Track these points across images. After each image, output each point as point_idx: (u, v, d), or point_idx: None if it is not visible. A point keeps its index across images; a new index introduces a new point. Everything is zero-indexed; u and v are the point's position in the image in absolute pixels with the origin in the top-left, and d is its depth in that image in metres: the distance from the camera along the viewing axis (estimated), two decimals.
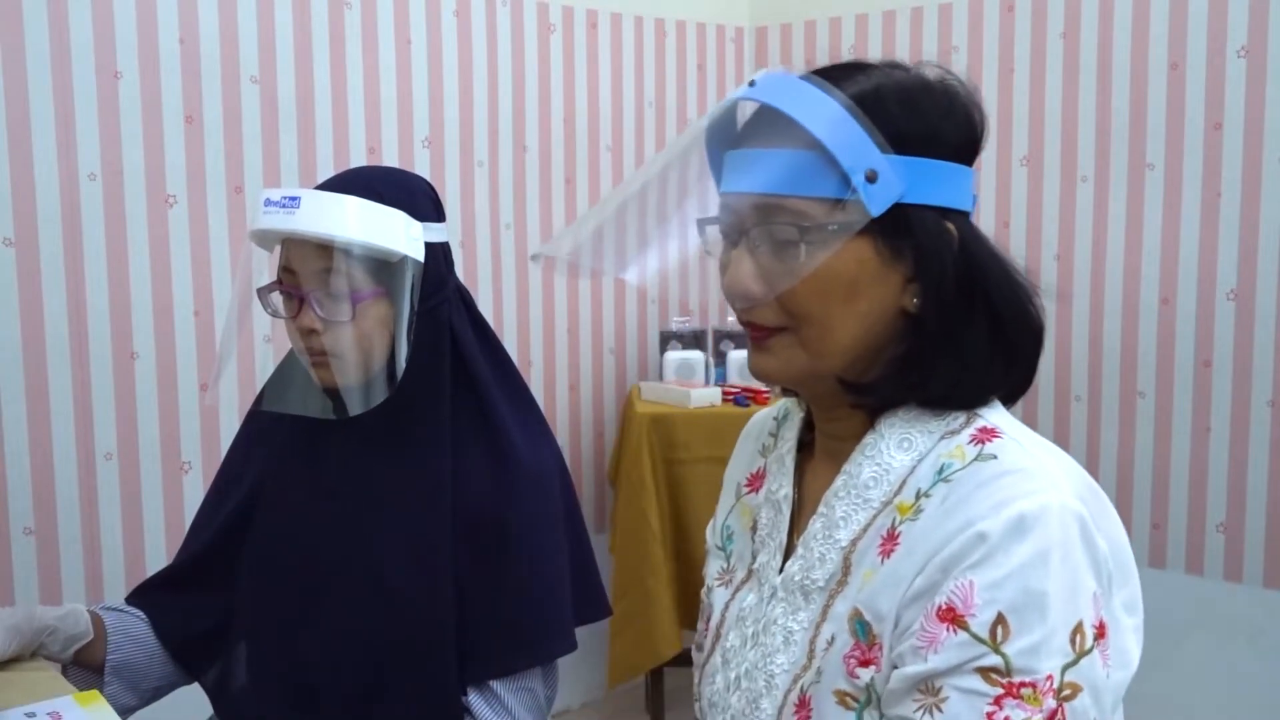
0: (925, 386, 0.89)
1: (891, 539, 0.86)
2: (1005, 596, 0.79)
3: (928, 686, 0.80)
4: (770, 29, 3.37)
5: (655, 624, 2.66)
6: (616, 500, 2.89)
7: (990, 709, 0.78)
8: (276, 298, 1.33)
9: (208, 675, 1.46)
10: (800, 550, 0.94)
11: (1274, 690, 2.56)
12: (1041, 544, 0.80)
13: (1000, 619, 0.79)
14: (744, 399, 2.78)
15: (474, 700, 1.33)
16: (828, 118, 0.84)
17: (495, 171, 2.86)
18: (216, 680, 1.45)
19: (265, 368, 1.46)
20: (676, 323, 3.07)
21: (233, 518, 1.44)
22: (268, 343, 2.36)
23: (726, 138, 0.93)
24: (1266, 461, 2.54)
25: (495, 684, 1.33)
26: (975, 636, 0.79)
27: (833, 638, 0.88)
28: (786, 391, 1.03)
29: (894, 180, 0.85)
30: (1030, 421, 2.80)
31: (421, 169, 2.71)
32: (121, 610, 1.45)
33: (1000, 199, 2.88)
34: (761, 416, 1.13)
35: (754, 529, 1.04)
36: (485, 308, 2.84)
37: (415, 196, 1.35)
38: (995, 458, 0.85)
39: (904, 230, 0.86)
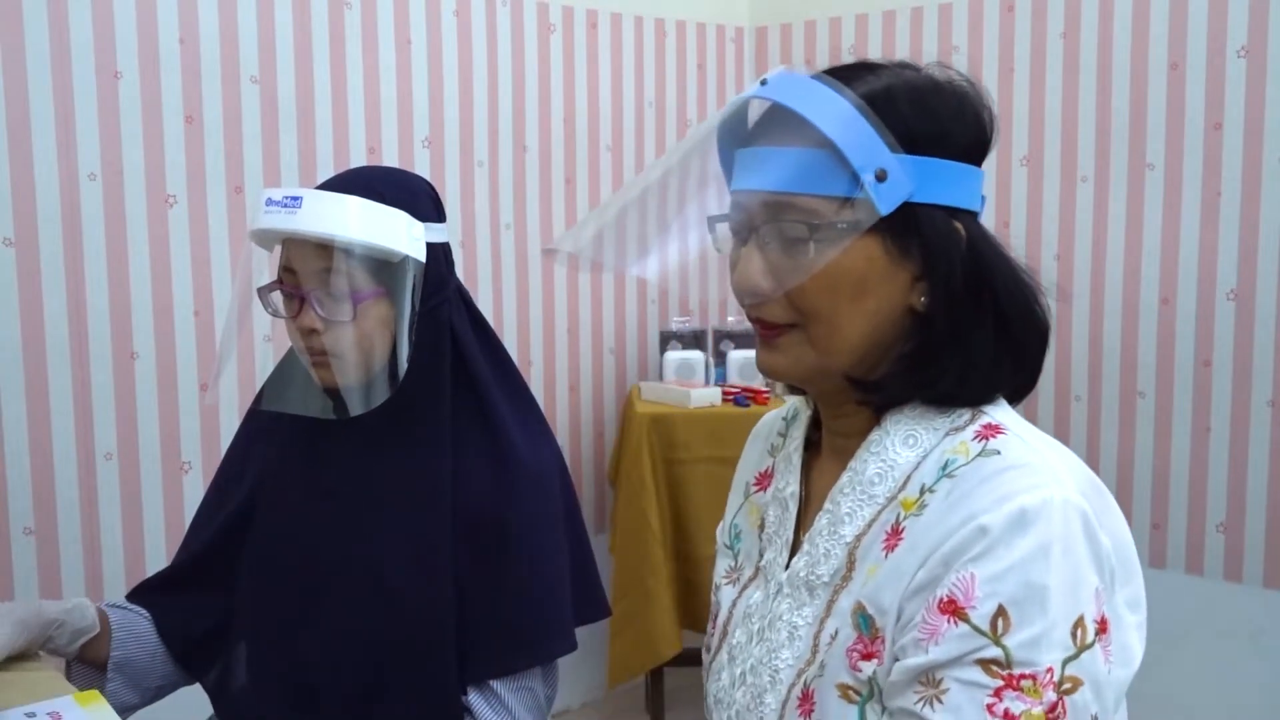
0: (932, 385, 0.90)
1: (896, 534, 0.87)
2: (1006, 589, 0.79)
3: (928, 678, 0.81)
4: (770, 29, 3.37)
5: (655, 624, 2.66)
6: (616, 500, 2.89)
7: (990, 700, 0.79)
8: (277, 297, 1.33)
9: (208, 676, 1.45)
10: (806, 546, 0.95)
11: (1274, 690, 2.56)
12: (1043, 538, 0.80)
13: (1001, 611, 0.79)
14: (744, 399, 2.78)
15: (474, 700, 1.33)
16: (838, 117, 0.85)
17: (495, 171, 2.86)
18: (217, 680, 1.45)
19: (265, 367, 1.46)
20: (676, 323, 3.07)
21: (233, 518, 1.44)
22: (268, 342, 2.36)
23: (737, 136, 0.94)
24: (1266, 461, 2.54)
25: (495, 683, 1.33)
26: (976, 628, 0.79)
27: (836, 632, 0.88)
28: (793, 390, 1.04)
29: (903, 179, 0.85)
30: (1030, 421, 2.79)
31: (421, 169, 2.71)
32: (125, 608, 1.45)
33: (1000, 199, 2.88)
34: (771, 417, 1.14)
35: (761, 527, 1.04)
36: (485, 308, 2.84)
37: (417, 197, 1.35)
38: (999, 453, 0.86)
39: (912, 229, 0.87)
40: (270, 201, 1.27)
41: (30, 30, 2.15)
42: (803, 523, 0.99)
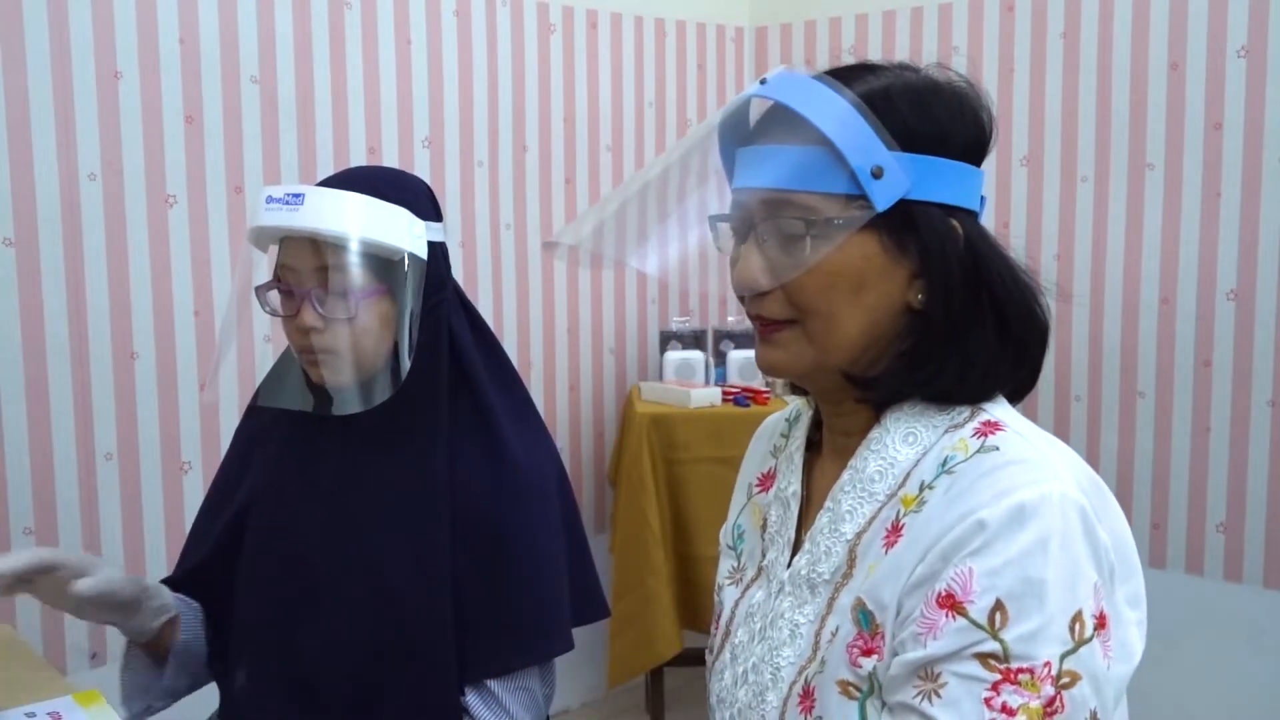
0: (930, 382, 0.90)
1: (895, 531, 0.87)
2: (1004, 583, 0.80)
3: (927, 672, 0.81)
4: (770, 29, 3.37)
5: (655, 624, 2.66)
6: (616, 500, 2.89)
7: (988, 694, 0.79)
8: (274, 296, 1.33)
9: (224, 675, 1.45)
10: (807, 545, 0.95)
11: (1274, 690, 2.56)
12: (1041, 532, 0.80)
13: (999, 605, 0.79)
14: (744, 399, 2.78)
15: (471, 700, 1.33)
16: (836, 115, 0.86)
17: (495, 171, 2.86)
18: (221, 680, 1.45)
19: (265, 367, 1.45)
20: (676, 323, 3.08)
21: (234, 522, 1.43)
22: (267, 342, 2.36)
23: (739, 135, 0.94)
24: (1266, 461, 2.54)
25: (492, 684, 1.33)
26: (974, 622, 0.80)
27: (837, 629, 0.89)
28: (794, 390, 1.04)
29: (900, 177, 0.86)
30: (1030, 421, 2.79)
31: (421, 169, 2.71)
32: (181, 596, 1.44)
33: (1000, 199, 2.88)
34: (774, 418, 1.15)
35: (764, 527, 1.05)
36: (485, 308, 2.84)
37: (416, 196, 1.35)
38: (998, 449, 0.86)
39: (910, 226, 0.88)
40: (271, 199, 1.27)
41: (30, 30, 2.15)
42: (804, 522, 1.00)
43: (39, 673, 1.33)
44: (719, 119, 0.94)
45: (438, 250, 1.36)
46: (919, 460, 0.90)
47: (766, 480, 1.09)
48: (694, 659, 2.66)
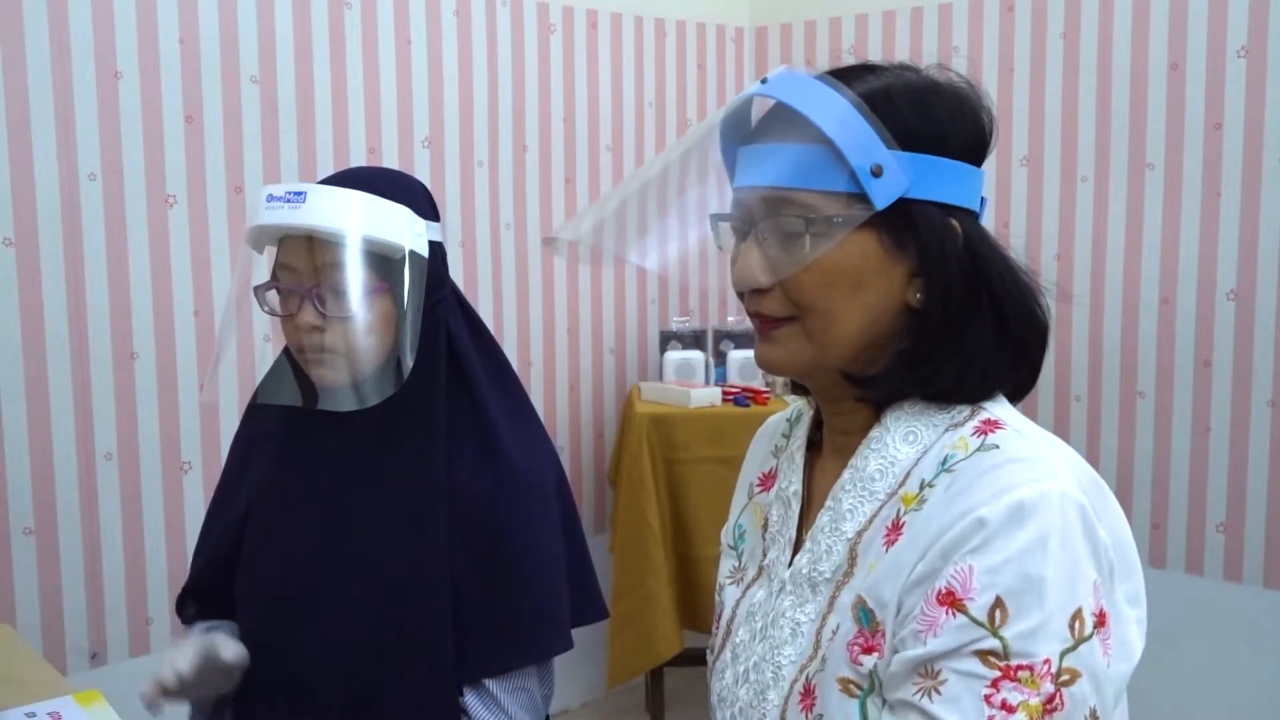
0: (929, 381, 0.91)
1: (896, 529, 0.88)
2: (1004, 581, 0.80)
3: (927, 670, 0.81)
4: (770, 29, 3.37)
5: (655, 624, 2.66)
6: (616, 500, 2.89)
7: (988, 691, 0.79)
8: (273, 296, 1.32)
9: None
10: (808, 544, 0.95)
11: (1274, 690, 2.56)
12: (1041, 530, 0.80)
13: (998, 603, 0.79)
14: (744, 399, 2.78)
15: (470, 701, 1.33)
16: (836, 113, 0.86)
17: (495, 171, 2.86)
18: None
19: (264, 367, 1.45)
20: (676, 323, 3.08)
21: (236, 524, 1.43)
22: (267, 342, 2.36)
23: (740, 135, 0.95)
24: (1266, 461, 2.54)
25: (491, 684, 1.33)
26: (974, 620, 0.80)
27: (837, 627, 0.89)
28: (794, 390, 1.05)
29: (899, 175, 0.86)
30: (1030, 420, 2.79)
31: (421, 169, 2.71)
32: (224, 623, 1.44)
33: (1000, 199, 2.88)
34: (775, 419, 1.15)
35: (765, 526, 1.05)
36: (485, 308, 2.84)
37: (415, 195, 1.35)
38: (998, 448, 0.86)
39: (909, 225, 0.88)
40: (272, 198, 1.26)
41: (30, 30, 2.15)
42: (805, 521, 1.00)
43: (39, 673, 1.33)
44: (720, 118, 0.94)
45: (436, 250, 1.36)
46: (919, 459, 0.90)
47: (767, 480, 1.09)
48: (694, 659, 2.66)
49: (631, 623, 2.68)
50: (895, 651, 0.84)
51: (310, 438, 1.38)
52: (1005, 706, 0.78)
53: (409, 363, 1.28)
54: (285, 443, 1.40)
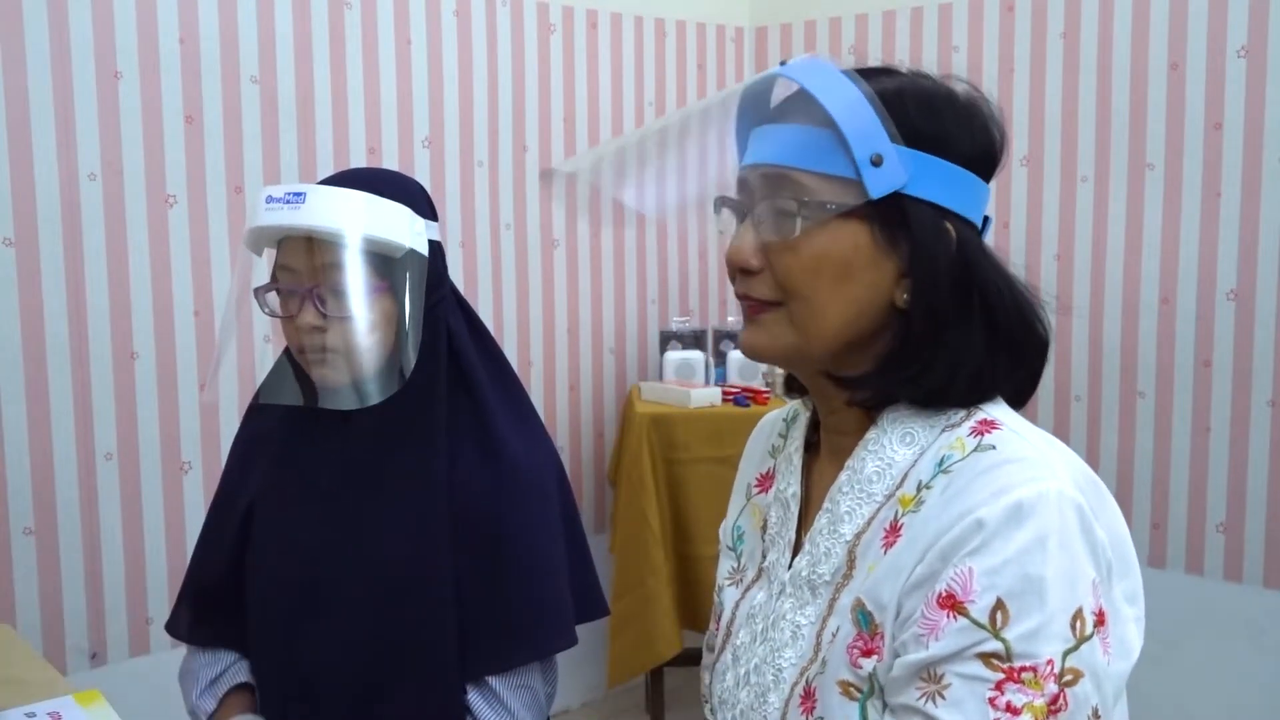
0: (914, 382, 0.90)
1: (894, 531, 0.87)
2: (1004, 582, 0.79)
3: (930, 674, 0.81)
4: (770, 29, 3.37)
5: (655, 624, 2.66)
6: (616, 500, 2.89)
7: (992, 694, 0.79)
8: (273, 297, 1.32)
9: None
10: (807, 546, 0.95)
11: (1274, 690, 2.56)
12: (1039, 530, 0.80)
13: (999, 604, 0.79)
14: (744, 399, 2.78)
15: (473, 699, 1.33)
16: (844, 99, 0.87)
17: (495, 171, 2.86)
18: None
19: (265, 368, 1.45)
20: (676, 323, 3.08)
21: (240, 528, 1.43)
22: (267, 343, 2.36)
23: (755, 117, 0.95)
24: (1266, 461, 2.54)
25: (494, 682, 1.33)
26: (975, 622, 0.80)
27: (837, 629, 0.89)
28: (790, 391, 1.05)
29: (898, 169, 0.86)
30: (1029, 421, 2.79)
31: (421, 169, 2.71)
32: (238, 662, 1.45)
33: (1000, 199, 2.88)
34: (771, 418, 1.15)
35: (764, 528, 1.05)
36: (485, 308, 2.84)
37: (414, 195, 1.35)
38: (994, 448, 0.86)
39: (902, 222, 0.88)
40: (271, 199, 1.26)
41: (30, 30, 2.15)
42: (804, 523, 1.00)
43: (39, 673, 1.33)
44: (740, 87, 0.95)
45: (436, 249, 1.36)
46: (916, 460, 0.90)
47: (765, 481, 1.09)
48: (694, 659, 2.66)
49: (631, 622, 2.69)
50: (896, 655, 0.84)
51: (311, 438, 1.38)
52: (1010, 709, 0.78)
53: (410, 361, 1.28)
54: (286, 443, 1.40)
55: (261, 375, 1.44)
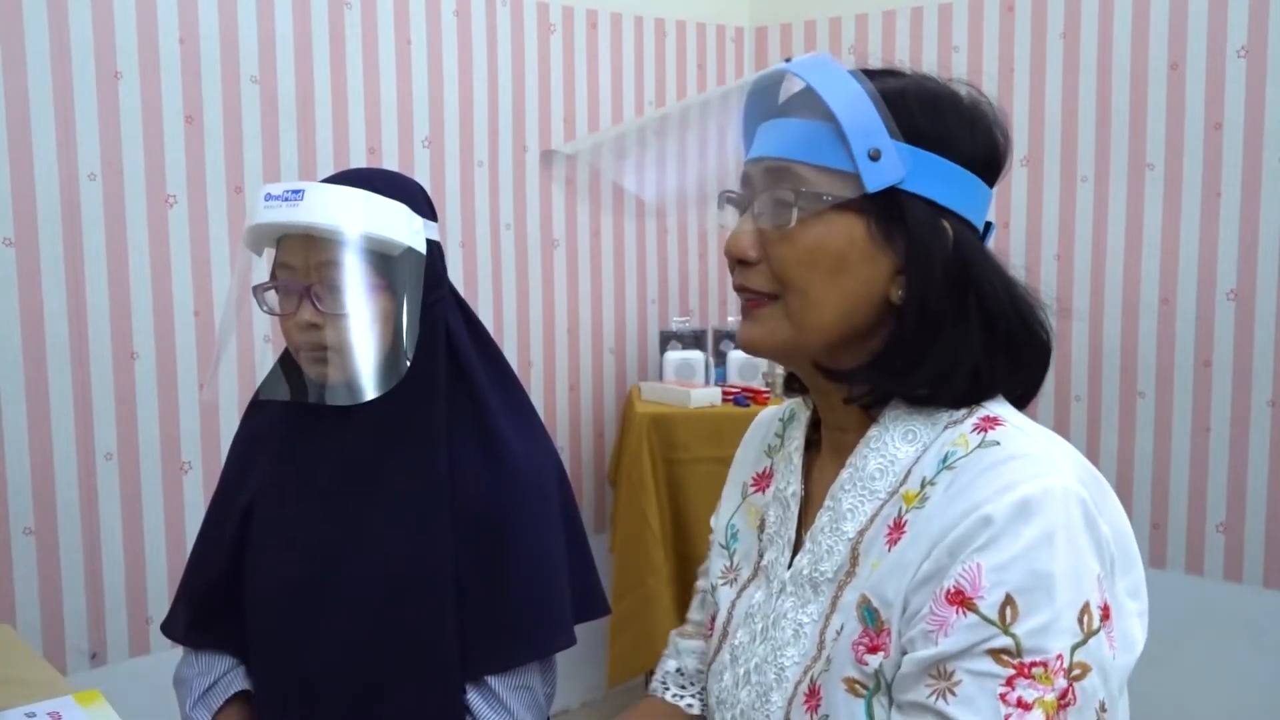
0: (905, 377, 0.90)
1: (898, 528, 0.88)
2: (1013, 578, 0.80)
3: (939, 671, 0.81)
4: (770, 29, 3.37)
5: (655, 624, 2.66)
6: (616, 500, 2.89)
7: (1003, 690, 0.79)
8: (272, 296, 1.32)
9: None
10: (808, 544, 0.95)
11: (1274, 690, 2.56)
12: (1046, 526, 0.81)
13: (1009, 600, 0.80)
14: (744, 399, 2.78)
15: (473, 699, 1.33)
16: (845, 94, 0.88)
17: (495, 171, 2.86)
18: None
19: (264, 367, 1.45)
20: (676, 323, 3.08)
21: (239, 528, 1.43)
22: (267, 342, 2.36)
23: (761, 113, 0.96)
24: (1266, 461, 2.54)
25: (494, 682, 1.33)
26: (985, 618, 0.80)
27: (842, 627, 0.89)
28: (789, 390, 1.05)
29: (897, 165, 0.87)
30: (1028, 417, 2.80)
31: (421, 169, 2.71)
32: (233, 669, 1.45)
33: (1000, 199, 2.88)
34: (766, 417, 1.15)
35: (761, 527, 1.05)
36: (485, 308, 2.84)
37: (413, 194, 1.35)
38: (998, 444, 0.87)
39: (899, 218, 0.89)
40: (270, 196, 1.26)
41: (30, 30, 2.15)
42: (804, 521, 1.00)
43: (39, 673, 1.33)
44: (747, 81, 0.96)
45: (434, 249, 1.36)
46: (919, 457, 0.90)
47: (761, 480, 1.09)
48: None
49: (631, 623, 2.69)
50: (903, 651, 0.84)
51: (311, 436, 1.38)
52: (1021, 704, 0.78)
53: (407, 359, 1.28)
54: (286, 441, 1.41)
55: (261, 375, 1.44)
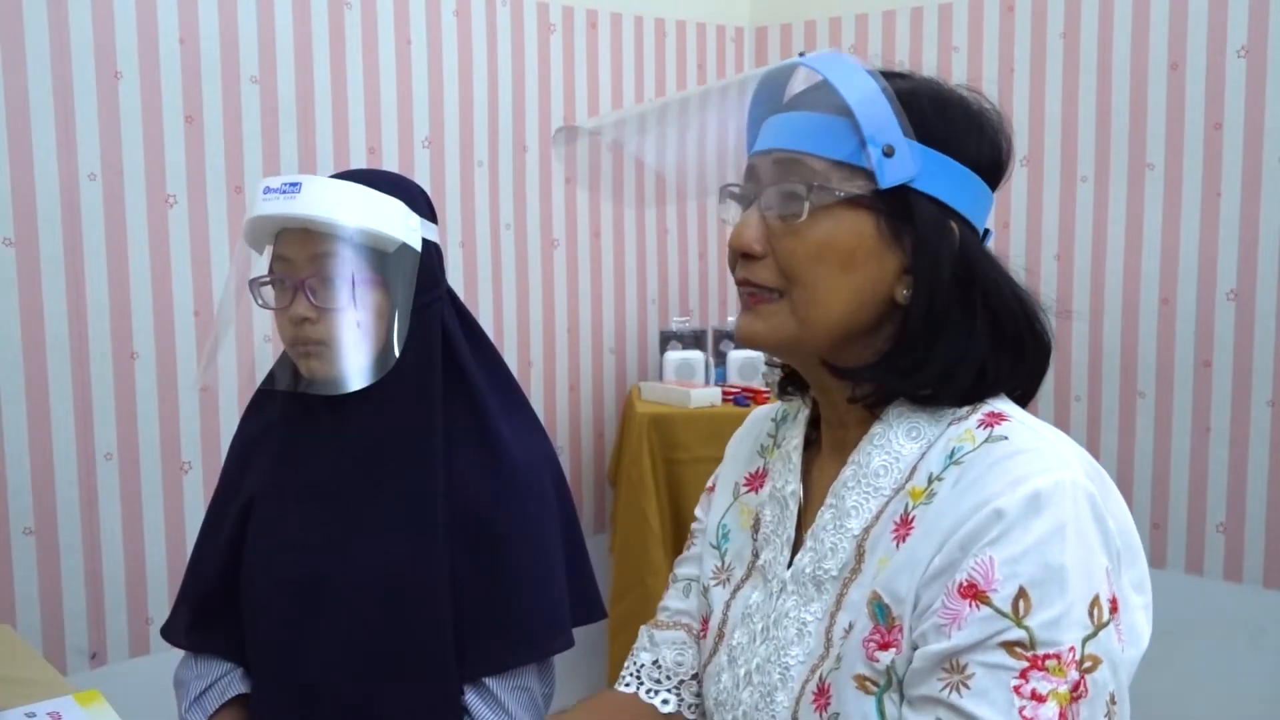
0: (911, 376, 0.91)
1: (905, 524, 0.88)
2: (1025, 571, 0.80)
3: (953, 664, 0.81)
4: (770, 29, 3.37)
5: None
6: (616, 500, 2.89)
7: (1017, 682, 0.79)
8: (268, 291, 1.33)
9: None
10: (810, 543, 0.95)
11: (1274, 690, 2.56)
12: (1057, 519, 0.81)
13: (1022, 593, 0.80)
14: (744, 399, 2.78)
15: (471, 700, 1.33)
16: (862, 89, 0.88)
17: (495, 171, 2.86)
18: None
19: (264, 368, 1.45)
20: (676, 323, 3.08)
21: (237, 529, 1.43)
22: (266, 342, 2.36)
23: (769, 107, 0.96)
24: (1266, 461, 2.54)
25: (491, 683, 1.33)
26: (998, 611, 0.80)
27: (850, 624, 0.89)
28: (783, 392, 1.05)
29: (909, 162, 0.87)
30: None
31: (421, 169, 2.71)
32: (232, 672, 1.44)
33: (1000, 199, 2.87)
34: (757, 418, 1.15)
35: (755, 527, 1.05)
36: (485, 308, 2.84)
37: (412, 194, 1.35)
38: (1006, 439, 0.87)
39: (908, 217, 0.89)
40: (269, 189, 1.27)
41: (30, 30, 2.15)
42: (803, 520, 1.00)
43: (39, 673, 1.33)
44: (760, 72, 0.96)
45: (432, 249, 1.36)
46: (924, 453, 0.91)
47: (755, 480, 1.09)
48: None
49: (631, 623, 2.66)
50: (915, 646, 0.84)
51: (308, 438, 1.38)
52: (1035, 696, 0.79)
53: (396, 352, 1.28)
54: (284, 443, 1.41)
55: (261, 375, 1.44)
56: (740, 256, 0.93)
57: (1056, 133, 2.80)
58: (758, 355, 2.85)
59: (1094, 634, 0.80)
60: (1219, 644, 2.63)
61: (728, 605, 1.04)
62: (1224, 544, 2.61)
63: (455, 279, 2.75)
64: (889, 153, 0.87)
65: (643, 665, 1.14)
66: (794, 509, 1.00)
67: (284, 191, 1.25)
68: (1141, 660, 0.90)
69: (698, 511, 1.16)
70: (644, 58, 3.14)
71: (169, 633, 1.46)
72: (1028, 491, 0.82)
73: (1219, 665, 2.62)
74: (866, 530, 0.91)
